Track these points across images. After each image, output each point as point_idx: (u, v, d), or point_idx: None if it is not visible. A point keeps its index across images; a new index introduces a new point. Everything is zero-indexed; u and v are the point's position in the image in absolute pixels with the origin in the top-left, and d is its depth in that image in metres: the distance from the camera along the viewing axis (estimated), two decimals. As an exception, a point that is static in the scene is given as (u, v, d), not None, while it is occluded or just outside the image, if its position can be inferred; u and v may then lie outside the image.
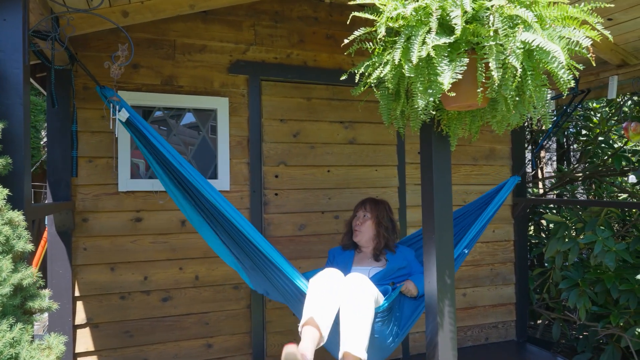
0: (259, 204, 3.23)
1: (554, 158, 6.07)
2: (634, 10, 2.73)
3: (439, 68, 1.72)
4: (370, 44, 1.98)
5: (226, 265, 3.16)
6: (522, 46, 1.71)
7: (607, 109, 4.67)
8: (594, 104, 4.85)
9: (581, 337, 3.95)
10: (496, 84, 1.74)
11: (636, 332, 3.37)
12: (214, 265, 3.16)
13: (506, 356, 3.75)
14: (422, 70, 1.80)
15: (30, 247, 1.42)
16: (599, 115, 4.65)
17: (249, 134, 3.26)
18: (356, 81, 2.03)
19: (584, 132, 4.69)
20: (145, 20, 2.75)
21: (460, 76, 1.69)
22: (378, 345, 2.38)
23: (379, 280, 2.58)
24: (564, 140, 4.91)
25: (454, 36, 1.65)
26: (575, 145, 5.11)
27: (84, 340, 2.87)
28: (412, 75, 1.79)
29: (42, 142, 6.21)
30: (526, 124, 5.08)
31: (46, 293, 1.46)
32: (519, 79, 1.77)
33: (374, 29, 1.90)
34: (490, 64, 1.69)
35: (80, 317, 2.86)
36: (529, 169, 5.21)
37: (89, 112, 2.92)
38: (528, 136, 5.20)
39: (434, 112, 2.06)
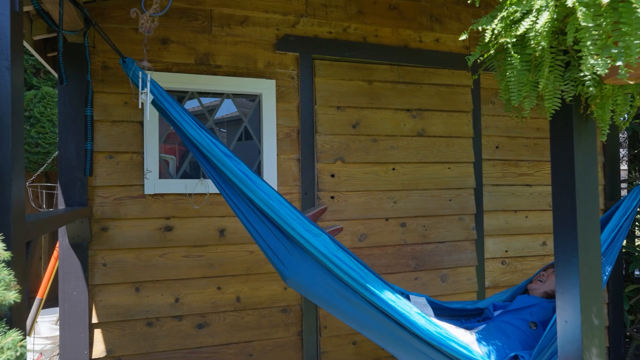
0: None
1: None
2: None
3: None
4: (501, -11, 1.39)
5: (273, 283, 2.62)
6: None
7: None
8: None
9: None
10: None
11: None
12: (258, 283, 2.60)
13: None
14: (602, 18, 1.20)
15: (13, 295, 0.87)
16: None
17: (299, 124, 2.68)
18: (486, 41, 1.42)
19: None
20: (178, -20, 2.20)
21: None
22: None
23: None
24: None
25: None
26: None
27: (104, 377, 2.34)
28: (589, 25, 1.19)
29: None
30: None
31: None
32: None
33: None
34: None
35: (99, 348, 2.33)
36: (624, 167, 4.49)
37: (110, 97, 2.39)
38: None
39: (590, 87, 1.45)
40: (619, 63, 1.17)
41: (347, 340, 2.72)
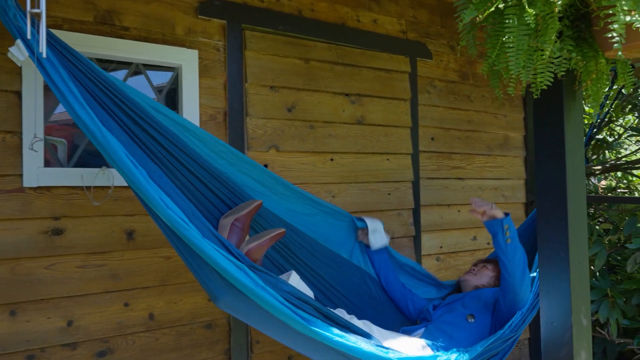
0: (242, 205, 2.27)
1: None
2: None
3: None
4: None
5: (194, 294, 2.19)
6: None
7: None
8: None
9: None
10: None
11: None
12: (176, 295, 2.14)
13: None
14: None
15: None
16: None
17: (227, 104, 2.27)
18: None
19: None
20: None
21: None
22: None
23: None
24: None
25: None
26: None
27: None
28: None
29: None
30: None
31: None
32: None
33: None
34: None
35: (-45, 397, 1.72)
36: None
37: (-29, 56, 1.78)
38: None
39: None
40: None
41: (283, 355, 2.38)
